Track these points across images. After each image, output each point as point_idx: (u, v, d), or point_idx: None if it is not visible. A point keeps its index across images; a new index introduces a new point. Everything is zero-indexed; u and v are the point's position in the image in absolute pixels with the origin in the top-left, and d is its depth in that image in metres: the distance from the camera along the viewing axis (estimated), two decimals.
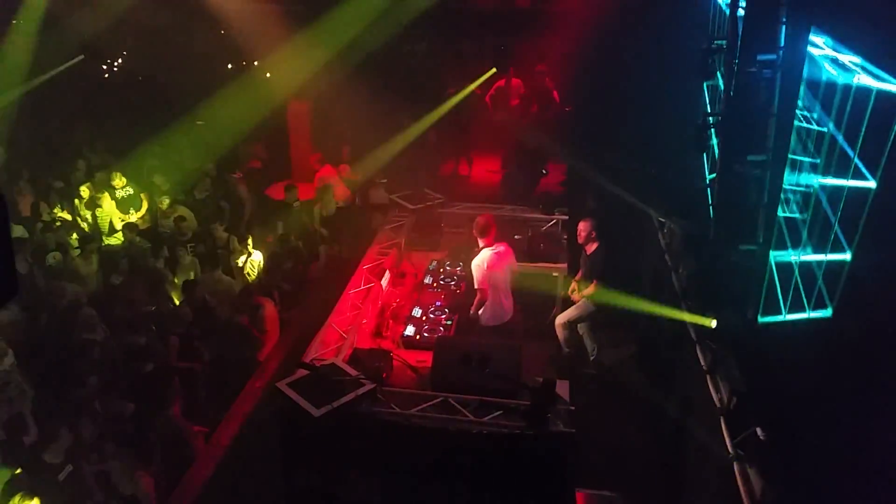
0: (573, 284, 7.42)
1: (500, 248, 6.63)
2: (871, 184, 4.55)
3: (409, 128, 12.02)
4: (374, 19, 12.18)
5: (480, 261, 6.48)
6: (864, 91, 4.35)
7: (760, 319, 6.14)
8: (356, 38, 12.21)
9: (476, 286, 6.49)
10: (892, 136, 4.27)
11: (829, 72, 4.77)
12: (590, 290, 7.25)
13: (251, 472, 5.99)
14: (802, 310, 5.45)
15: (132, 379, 6.73)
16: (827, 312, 5.15)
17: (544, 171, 11.56)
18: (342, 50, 12.21)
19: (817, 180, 5.04)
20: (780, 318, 5.83)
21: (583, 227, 7.36)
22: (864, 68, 4.42)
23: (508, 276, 6.68)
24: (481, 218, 6.66)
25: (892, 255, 4.39)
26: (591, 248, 7.36)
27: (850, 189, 4.68)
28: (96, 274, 8.72)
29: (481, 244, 6.58)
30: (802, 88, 5.27)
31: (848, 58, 4.65)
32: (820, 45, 5.10)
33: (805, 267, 5.32)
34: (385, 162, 11.37)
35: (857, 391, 4.40)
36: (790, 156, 5.39)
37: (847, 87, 4.54)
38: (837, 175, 4.83)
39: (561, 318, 7.40)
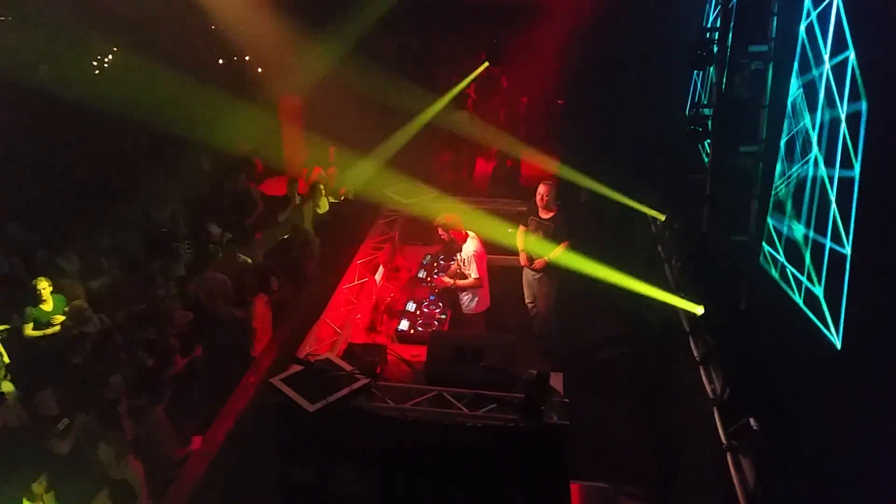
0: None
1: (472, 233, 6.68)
2: None
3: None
4: (366, 12, 12.17)
5: (477, 247, 6.46)
6: None
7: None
8: (348, 32, 12.19)
9: (477, 274, 6.49)
10: None
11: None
12: (557, 252, 6.96)
13: (246, 468, 5.99)
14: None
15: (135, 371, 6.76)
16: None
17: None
18: (334, 44, 12.17)
19: None
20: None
21: (544, 190, 6.97)
22: None
23: None
24: (446, 217, 6.60)
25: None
26: (552, 212, 7.05)
27: None
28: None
29: (459, 237, 6.59)
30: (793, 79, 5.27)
31: None
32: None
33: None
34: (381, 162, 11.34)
35: (850, 381, 4.42)
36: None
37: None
38: None
39: (544, 306, 7.36)
